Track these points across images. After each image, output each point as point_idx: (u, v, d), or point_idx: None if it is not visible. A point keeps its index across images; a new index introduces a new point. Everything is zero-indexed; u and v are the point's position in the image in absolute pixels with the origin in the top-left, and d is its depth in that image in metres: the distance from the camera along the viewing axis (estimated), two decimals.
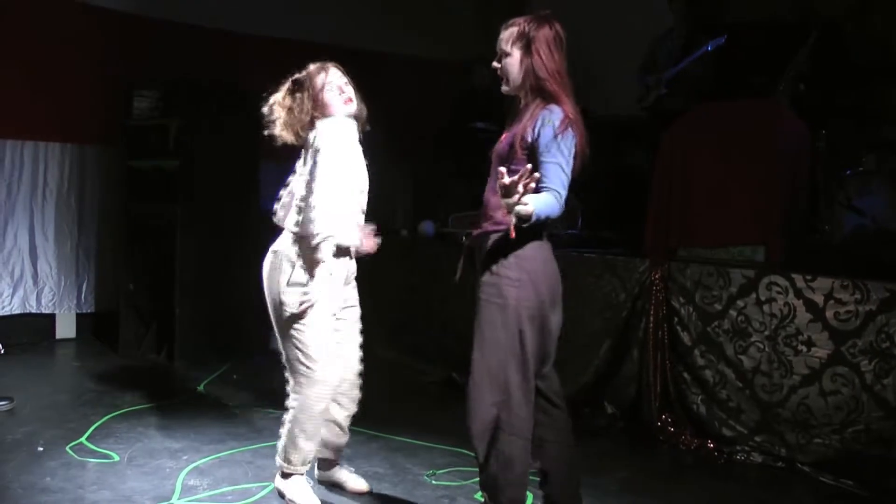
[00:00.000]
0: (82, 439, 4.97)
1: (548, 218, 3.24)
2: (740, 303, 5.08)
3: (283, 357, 4.02)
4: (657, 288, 5.44)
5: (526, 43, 3.41)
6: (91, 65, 7.46)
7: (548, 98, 3.38)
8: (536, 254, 3.41)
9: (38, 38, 7.22)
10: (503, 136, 3.52)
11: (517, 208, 3.06)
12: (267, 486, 4.30)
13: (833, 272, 4.76)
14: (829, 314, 4.70)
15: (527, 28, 3.42)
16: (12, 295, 7.43)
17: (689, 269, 5.35)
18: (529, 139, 3.34)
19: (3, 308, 7.30)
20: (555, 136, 3.28)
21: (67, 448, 4.82)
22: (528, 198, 3.08)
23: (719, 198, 5.53)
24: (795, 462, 4.81)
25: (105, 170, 7.76)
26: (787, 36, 6.42)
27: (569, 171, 3.31)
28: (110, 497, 4.19)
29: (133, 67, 7.36)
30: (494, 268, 3.39)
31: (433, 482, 4.51)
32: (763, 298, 4.98)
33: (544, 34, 3.41)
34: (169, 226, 7.01)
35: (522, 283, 3.36)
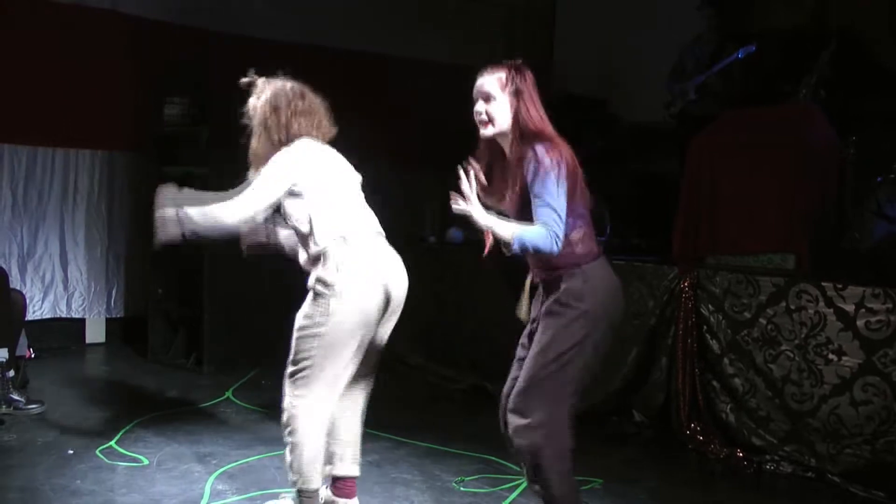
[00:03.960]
0: (112, 443, 5.00)
1: (536, 249, 3.27)
2: (770, 311, 5.05)
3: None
4: (686, 295, 5.41)
5: (515, 89, 3.47)
6: (121, 72, 7.52)
7: (532, 139, 3.42)
8: (599, 273, 3.46)
9: (69, 46, 7.29)
10: (502, 192, 3.57)
11: (492, 229, 3.31)
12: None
13: (863, 280, 4.73)
14: (859, 323, 4.66)
15: (513, 73, 3.49)
16: (43, 300, 7.50)
17: (718, 277, 5.33)
18: (518, 179, 3.41)
19: (34, 313, 7.35)
20: (536, 176, 3.32)
21: (97, 451, 4.84)
22: (514, 226, 3.28)
23: (748, 205, 5.49)
24: (825, 472, 4.76)
25: (134, 176, 7.81)
26: (817, 43, 6.39)
27: (558, 202, 3.30)
28: (139, 500, 4.21)
29: (163, 74, 7.41)
30: (562, 298, 3.42)
31: (461, 489, 4.50)
32: (793, 307, 4.94)
33: (530, 80, 3.50)
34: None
35: (588, 313, 3.39)
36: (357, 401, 4.11)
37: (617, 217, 6.72)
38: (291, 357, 3.79)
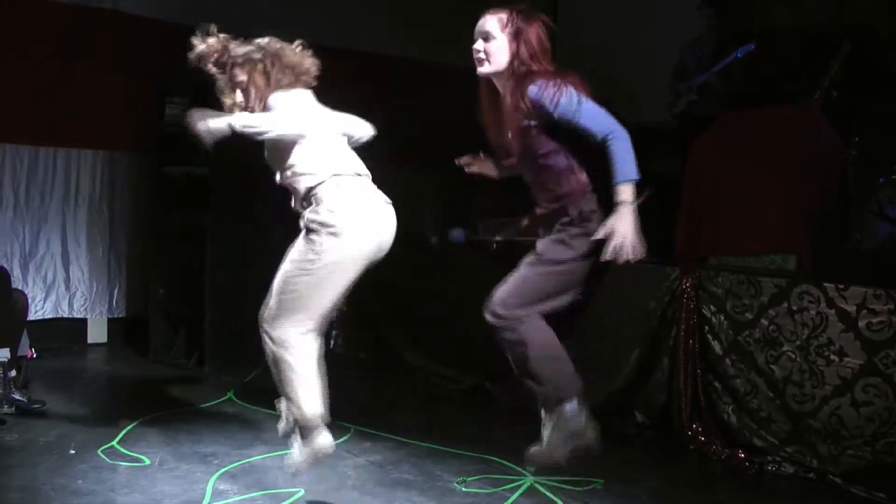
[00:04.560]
0: (113, 443, 4.99)
1: (630, 146, 3.46)
2: (772, 312, 5.05)
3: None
4: (688, 296, 5.41)
5: (515, 30, 3.54)
6: (122, 72, 7.52)
7: (529, 76, 3.47)
8: None
9: (70, 46, 7.30)
10: (494, 124, 3.63)
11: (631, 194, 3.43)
12: (297, 492, 4.31)
13: (865, 281, 4.72)
14: (861, 324, 4.66)
15: (515, 15, 3.56)
16: (45, 300, 7.51)
17: (719, 278, 5.32)
18: (535, 122, 3.48)
19: (36, 313, 7.35)
20: (558, 100, 3.43)
21: (99, 451, 4.84)
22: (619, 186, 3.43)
23: (749, 206, 5.49)
24: (827, 473, 4.76)
25: (136, 177, 7.83)
26: (820, 43, 6.39)
27: (587, 105, 3.47)
28: (141, 500, 4.21)
29: (164, 74, 7.41)
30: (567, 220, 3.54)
31: (463, 489, 4.50)
32: (795, 308, 4.94)
33: (536, 24, 3.57)
34: (199, 232, 7.04)
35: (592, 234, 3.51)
36: None
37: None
38: (276, 291, 3.82)
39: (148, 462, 4.72)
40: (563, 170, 3.55)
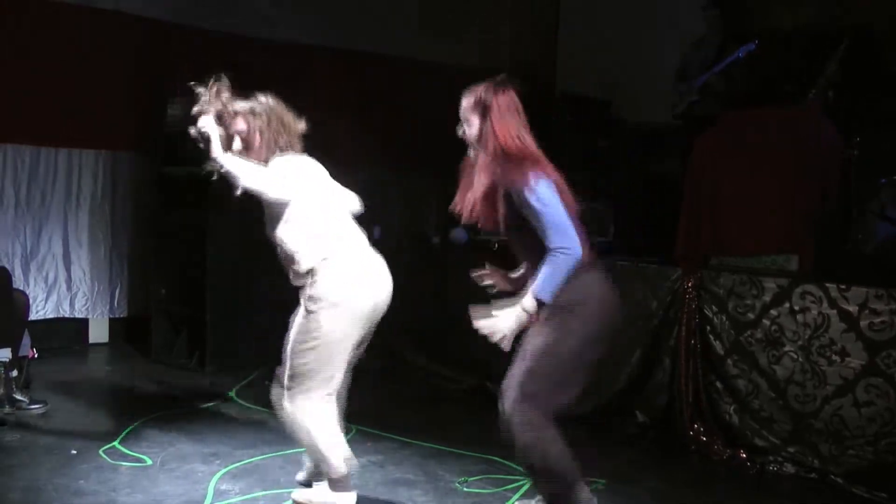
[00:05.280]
0: (115, 443, 5.00)
1: (564, 276, 3.36)
2: (773, 312, 5.05)
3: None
4: (689, 296, 5.41)
5: (482, 110, 3.53)
6: (125, 73, 7.54)
7: (508, 160, 3.45)
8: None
9: (72, 46, 7.30)
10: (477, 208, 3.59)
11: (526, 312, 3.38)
12: None
13: (867, 281, 4.72)
14: (863, 324, 4.66)
15: (483, 95, 3.55)
16: (46, 300, 7.52)
17: (721, 278, 5.32)
18: (505, 210, 3.46)
19: (38, 313, 7.36)
20: (523, 193, 3.39)
21: (100, 451, 4.85)
22: (531, 289, 3.37)
23: (750, 206, 5.49)
24: (828, 473, 4.76)
25: (138, 177, 7.83)
26: (819, 43, 6.38)
27: (551, 210, 3.38)
28: (142, 500, 4.21)
29: (167, 75, 7.42)
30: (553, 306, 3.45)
31: (465, 489, 4.50)
32: (797, 308, 4.94)
33: (499, 100, 3.52)
34: (200, 232, 7.04)
35: (578, 321, 3.47)
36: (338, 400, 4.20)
37: (620, 217, 6.72)
38: (288, 369, 3.96)
39: (149, 462, 4.72)
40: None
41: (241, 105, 4.11)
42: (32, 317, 6.49)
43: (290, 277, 4.03)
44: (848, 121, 5.76)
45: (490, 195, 3.49)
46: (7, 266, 6.19)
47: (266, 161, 4.00)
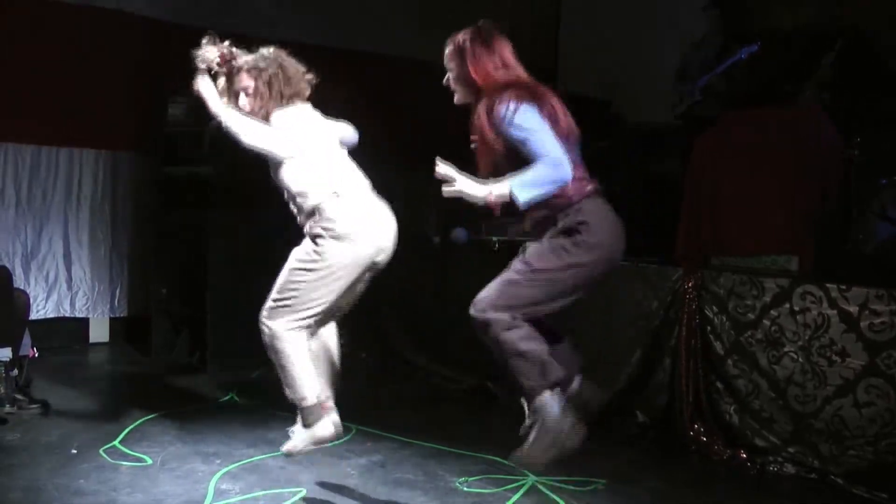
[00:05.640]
0: (115, 443, 5.00)
1: (548, 184, 3.30)
2: (774, 312, 5.05)
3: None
4: (690, 296, 5.41)
5: (459, 53, 3.57)
6: (126, 72, 7.54)
7: (490, 96, 3.45)
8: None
9: (73, 45, 7.30)
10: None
11: (494, 194, 3.29)
12: (299, 492, 4.32)
13: (867, 282, 4.72)
14: (863, 325, 4.66)
15: (460, 40, 3.59)
16: (46, 299, 7.52)
17: (722, 278, 5.32)
18: (494, 135, 3.42)
19: (38, 312, 7.36)
20: (506, 119, 3.36)
21: (101, 451, 4.85)
22: (509, 180, 3.29)
23: (751, 206, 5.49)
24: (828, 474, 4.76)
25: (138, 176, 7.83)
26: (819, 43, 6.39)
27: (541, 136, 3.33)
28: (143, 500, 4.21)
29: (168, 74, 7.41)
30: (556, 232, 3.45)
31: (465, 489, 4.50)
32: (797, 308, 4.94)
33: (474, 42, 3.57)
34: (201, 232, 7.04)
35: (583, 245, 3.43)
36: (329, 327, 4.25)
37: (621, 217, 6.70)
38: (277, 288, 3.97)
39: (150, 461, 4.73)
40: None
41: (245, 60, 4.10)
42: (33, 316, 6.49)
43: (299, 219, 4.04)
44: (848, 121, 5.76)
45: (489, 141, 3.46)
46: (8, 265, 6.20)
47: (271, 111, 4.00)
